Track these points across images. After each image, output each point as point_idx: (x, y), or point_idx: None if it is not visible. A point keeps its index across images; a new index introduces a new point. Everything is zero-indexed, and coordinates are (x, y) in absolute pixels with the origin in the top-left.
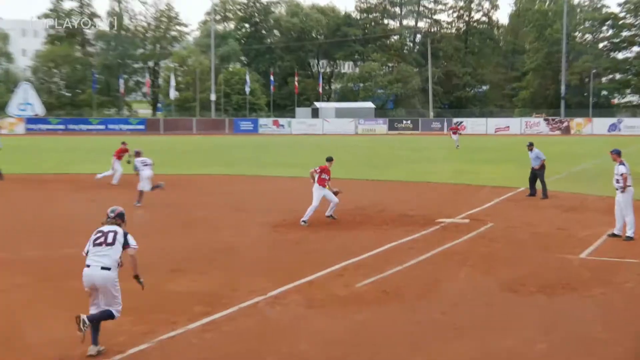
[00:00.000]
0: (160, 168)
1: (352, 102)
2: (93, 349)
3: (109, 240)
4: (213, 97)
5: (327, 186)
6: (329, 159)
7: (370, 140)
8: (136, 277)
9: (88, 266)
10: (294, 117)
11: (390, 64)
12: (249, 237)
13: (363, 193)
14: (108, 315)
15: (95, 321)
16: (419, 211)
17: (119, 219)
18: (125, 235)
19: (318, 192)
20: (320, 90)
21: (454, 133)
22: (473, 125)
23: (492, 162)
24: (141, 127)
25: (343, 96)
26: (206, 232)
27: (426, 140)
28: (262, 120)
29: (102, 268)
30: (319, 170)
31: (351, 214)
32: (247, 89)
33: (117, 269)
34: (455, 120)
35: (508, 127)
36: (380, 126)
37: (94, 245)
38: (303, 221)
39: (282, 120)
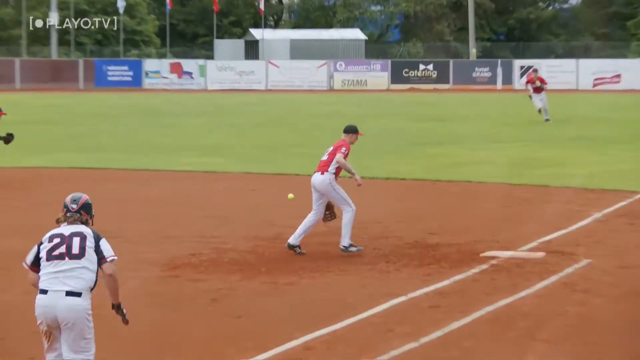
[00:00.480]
0: None
1: (321, 29)
2: None
3: (75, 250)
4: (54, 18)
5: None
6: (350, 130)
7: (358, 103)
8: (117, 306)
9: (44, 292)
10: (211, 57)
11: None
12: (126, 287)
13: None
14: None
15: None
16: (447, 236)
17: (85, 213)
18: (97, 240)
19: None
20: (262, 7)
21: (537, 90)
22: (551, 71)
23: (588, 143)
24: None
25: (305, 18)
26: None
27: (464, 100)
28: (149, 64)
29: (68, 294)
30: (346, 151)
31: (323, 241)
32: (121, 4)
33: (90, 294)
34: (520, 64)
35: (618, 75)
36: (376, 75)
37: (50, 258)
38: (345, 246)
39: (188, 64)
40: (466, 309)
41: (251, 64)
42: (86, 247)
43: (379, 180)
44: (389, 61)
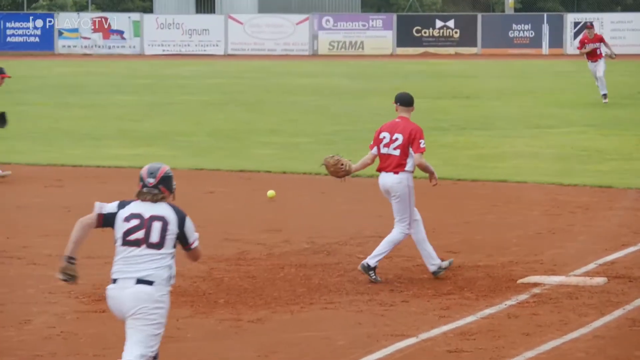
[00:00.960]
0: None
1: None
2: None
3: (154, 238)
4: None
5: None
6: (411, 102)
7: (352, 74)
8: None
9: (114, 281)
10: (150, 10)
11: None
12: (32, 327)
13: (336, 207)
14: None
15: None
16: (473, 255)
17: (165, 188)
18: (181, 224)
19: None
20: None
21: (592, 55)
22: (617, 29)
23: None
24: None
25: None
26: None
27: (496, 69)
28: (64, 19)
29: (139, 282)
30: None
31: (303, 262)
32: None
33: (164, 287)
34: (574, 19)
35: None
36: (377, 35)
37: (125, 243)
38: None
39: (117, 20)
40: (499, 354)
41: (205, 19)
42: (167, 237)
43: (371, 179)
44: (394, 15)
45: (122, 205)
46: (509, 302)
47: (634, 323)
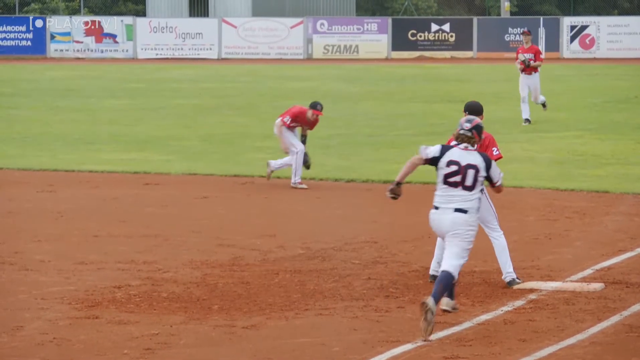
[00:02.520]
0: None
1: None
2: (448, 303)
3: (468, 182)
4: None
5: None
6: (474, 110)
7: (346, 78)
8: None
9: (436, 208)
10: (143, 13)
11: None
12: (22, 336)
13: (331, 212)
14: (447, 280)
15: (440, 296)
16: (468, 261)
17: (476, 134)
18: (487, 168)
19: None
20: None
21: (527, 70)
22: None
23: None
24: None
25: None
26: None
27: (492, 74)
28: (55, 23)
29: (457, 210)
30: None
31: (298, 268)
32: None
33: (475, 214)
34: (571, 22)
35: None
36: (372, 38)
37: (445, 182)
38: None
39: (109, 24)
40: None
41: (198, 22)
42: (477, 180)
43: (375, 185)
44: (389, 19)
45: (443, 151)
46: (505, 308)
47: (631, 329)
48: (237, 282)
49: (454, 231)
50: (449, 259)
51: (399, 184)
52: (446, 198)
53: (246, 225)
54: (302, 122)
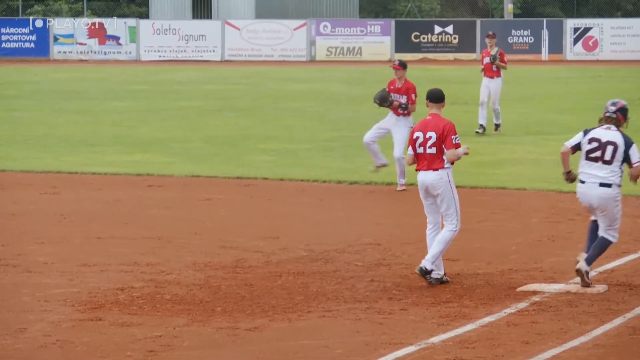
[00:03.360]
0: None
1: None
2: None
3: (607, 157)
4: None
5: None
6: (435, 97)
7: (350, 80)
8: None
9: (582, 182)
10: (146, 15)
11: None
12: (28, 336)
13: (333, 214)
14: (602, 245)
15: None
16: (472, 263)
17: (621, 116)
18: (627, 148)
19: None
20: None
21: (489, 74)
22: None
23: None
24: None
25: None
26: None
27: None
28: (59, 25)
29: (601, 185)
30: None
31: (301, 270)
32: None
33: (618, 187)
34: (574, 24)
35: None
36: (375, 40)
37: (587, 158)
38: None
39: (112, 25)
40: None
41: (201, 24)
42: (615, 156)
43: (377, 187)
44: (392, 21)
45: (585, 132)
46: (508, 310)
47: (634, 331)
48: (240, 284)
49: (602, 207)
50: (603, 230)
51: (568, 172)
52: (589, 172)
53: (249, 227)
54: None
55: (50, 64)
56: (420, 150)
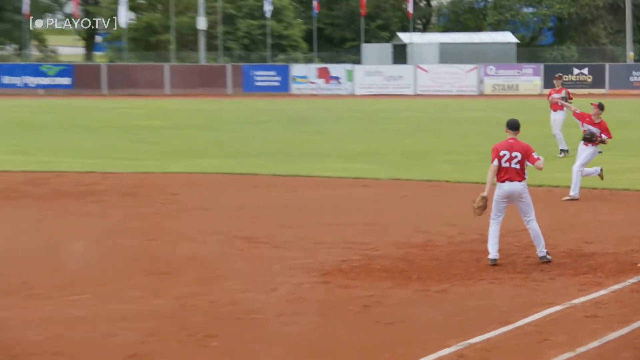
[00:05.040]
0: (82, 157)
1: (471, 32)
2: None
3: None
4: (202, 23)
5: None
6: (514, 126)
7: (508, 109)
8: None
9: None
10: (358, 61)
11: None
12: (276, 295)
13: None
14: None
15: None
16: (603, 245)
17: None
18: None
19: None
20: (410, 10)
21: (554, 107)
22: None
23: None
24: (65, 81)
25: (454, 21)
26: (195, 284)
27: (621, 106)
28: (296, 69)
29: None
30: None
31: (475, 249)
32: (268, 8)
33: None
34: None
35: None
36: (528, 79)
37: None
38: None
39: (335, 69)
40: (625, 319)
41: (399, 68)
42: None
43: (531, 189)
44: (542, 65)
45: None
46: (631, 280)
47: None
48: (429, 258)
49: None
50: None
51: None
52: None
53: (435, 217)
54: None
55: (289, 98)
56: (505, 164)
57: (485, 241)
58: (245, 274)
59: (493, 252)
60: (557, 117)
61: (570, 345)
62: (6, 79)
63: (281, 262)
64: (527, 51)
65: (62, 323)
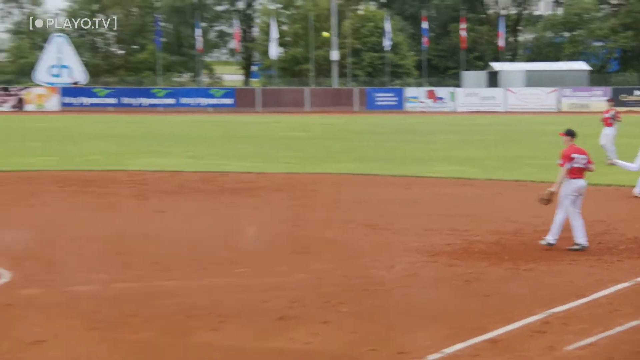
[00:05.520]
0: (242, 161)
1: (551, 61)
2: None
3: None
4: (335, 55)
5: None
6: (574, 134)
7: (581, 123)
8: None
9: None
10: (458, 85)
11: (613, 1)
12: (394, 271)
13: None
14: None
15: None
16: None
17: None
18: None
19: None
20: (502, 43)
21: (608, 121)
22: None
23: None
24: (228, 101)
25: (537, 53)
26: (330, 262)
27: None
28: (409, 91)
29: None
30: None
31: (560, 236)
32: (387, 43)
33: None
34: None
35: None
36: (598, 99)
37: None
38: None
39: (441, 91)
40: None
41: (492, 90)
42: None
43: (601, 187)
44: (609, 88)
45: None
46: None
47: None
48: (518, 242)
49: None
50: None
51: None
52: None
53: (524, 210)
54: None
55: (403, 114)
56: (577, 165)
57: (564, 229)
58: (370, 254)
59: (580, 238)
60: (609, 131)
61: (636, 315)
62: (183, 100)
63: (398, 245)
64: (597, 77)
65: (225, 291)
